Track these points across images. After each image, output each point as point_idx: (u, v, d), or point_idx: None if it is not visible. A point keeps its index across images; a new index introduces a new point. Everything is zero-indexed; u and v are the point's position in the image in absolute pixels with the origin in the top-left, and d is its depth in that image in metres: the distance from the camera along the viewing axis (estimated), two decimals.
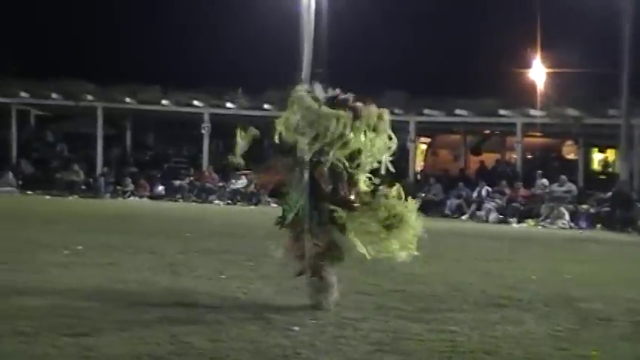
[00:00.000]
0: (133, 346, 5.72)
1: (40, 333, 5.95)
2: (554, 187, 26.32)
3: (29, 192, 29.95)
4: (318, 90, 7.83)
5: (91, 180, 31.56)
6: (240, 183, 30.19)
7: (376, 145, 7.64)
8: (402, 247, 7.54)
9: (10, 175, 31.19)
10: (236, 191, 30.05)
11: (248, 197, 29.48)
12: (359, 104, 7.71)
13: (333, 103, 7.61)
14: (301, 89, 7.83)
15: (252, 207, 27.89)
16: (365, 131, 7.60)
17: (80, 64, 34.74)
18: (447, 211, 27.50)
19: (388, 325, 6.89)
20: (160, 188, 31.16)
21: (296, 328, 6.54)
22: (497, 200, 26.58)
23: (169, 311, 7.04)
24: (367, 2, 32.51)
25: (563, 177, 26.67)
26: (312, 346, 5.97)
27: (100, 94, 32.44)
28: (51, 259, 10.25)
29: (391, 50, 36.61)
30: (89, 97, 32.37)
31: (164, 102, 31.99)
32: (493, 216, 25.81)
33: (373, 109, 7.77)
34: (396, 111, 30.50)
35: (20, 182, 31.18)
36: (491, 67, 31.78)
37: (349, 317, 7.08)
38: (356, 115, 7.54)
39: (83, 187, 31.03)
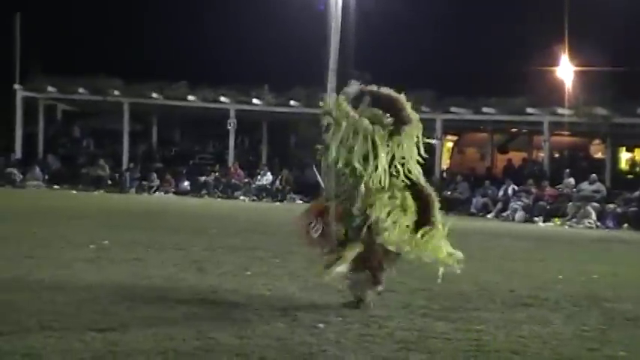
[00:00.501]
0: (159, 341, 5.72)
1: (66, 328, 5.98)
2: (584, 185, 26.14)
3: (56, 187, 30.16)
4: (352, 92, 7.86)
5: (116, 175, 31.73)
6: (266, 179, 30.24)
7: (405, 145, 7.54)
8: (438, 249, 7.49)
9: (37, 169, 31.42)
10: (261, 187, 30.10)
11: (273, 193, 29.52)
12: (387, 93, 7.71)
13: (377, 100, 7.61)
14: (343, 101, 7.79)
15: (278, 203, 27.92)
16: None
17: (107, 59, 34.90)
18: (472, 210, 27.41)
19: (414, 323, 6.86)
20: (186, 184, 31.27)
21: (321, 326, 6.53)
22: (524, 199, 26.43)
23: (195, 307, 7.05)
24: (395, 0, 32.43)
25: (594, 175, 26.47)
26: (338, 344, 5.96)
27: (126, 90, 32.61)
28: (77, 254, 10.30)
29: (418, 48, 36.48)
30: (116, 93, 32.54)
31: (190, 98, 32.09)
32: (519, 215, 25.67)
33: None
34: (423, 109, 30.46)
35: (47, 177, 31.40)
36: (519, 66, 31.59)
37: (375, 315, 7.06)
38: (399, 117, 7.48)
39: (109, 182, 31.21)
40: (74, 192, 28.67)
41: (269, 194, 29.62)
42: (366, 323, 6.71)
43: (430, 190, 7.72)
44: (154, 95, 32.37)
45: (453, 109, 30.25)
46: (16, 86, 33.14)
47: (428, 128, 31.54)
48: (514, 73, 31.56)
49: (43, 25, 36.92)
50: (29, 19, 35.63)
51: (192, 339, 5.85)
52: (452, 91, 30.23)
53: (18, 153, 33.10)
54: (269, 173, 30.57)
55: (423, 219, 7.51)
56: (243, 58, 35.98)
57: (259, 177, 30.55)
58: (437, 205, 7.64)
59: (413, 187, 7.60)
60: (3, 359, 5.12)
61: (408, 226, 7.43)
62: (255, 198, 29.61)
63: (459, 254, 7.65)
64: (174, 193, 30.45)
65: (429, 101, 29.96)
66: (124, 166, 32.47)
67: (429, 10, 36.48)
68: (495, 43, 36.15)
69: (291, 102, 30.93)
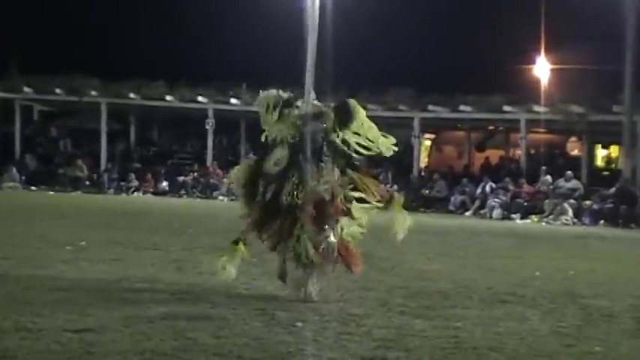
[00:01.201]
0: (137, 342, 5.71)
1: (43, 329, 5.94)
2: (561, 182, 26.30)
3: (33, 187, 30.01)
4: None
5: (94, 175, 31.59)
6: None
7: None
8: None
9: (14, 170, 31.24)
10: None
11: None
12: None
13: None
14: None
15: None
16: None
17: (84, 59, 34.73)
18: (451, 208, 27.53)
19: (392, 321, 6.88)
20: (164, 184, 31.19)
21: (299, 324, 6.53)
22: (502, 197, 26.57)
23: (173, 307, 7.04)
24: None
25: (570, 173, 26.65)
26: (316, 342, 5.96)
27: (104, 90, 32.49)
28: (55, 254, 10.26)
29: (396, 47, 36.58)
30: (93, 93, 32.40)
31: (168, 98, 32.01)
32: (497, 212, 25.80)
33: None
34: (401, 107, 30.56)
35: (24, 178, 31.23)
36: (497, 64, 31.74)
37: (353, 313, 7.07)
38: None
39: (87, 182, 31.07)
40: (52, 193, 28.53)
41: None
42: (344, 321, 6.72)
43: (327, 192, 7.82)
44: (132, 95, 32.26)
45: (430, 107, 30.34)
46: None
47: (406, 126, 31.76)
48: (491, 70, 31.70)
49: (20, 24, 36.74)
50: (5, 19, 35.44)
51: (170, 339, 5.84)
52: (429, 88, 30.32)
53: None
54: None
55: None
56: (221, 57, 35.93)
57: None
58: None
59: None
60: None
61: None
62: (234, 198, 29.52)
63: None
64: (153, 193, 30.38)
65: (408, 99, 30.07)
66: (102, 167, 32.35)
67: (409, 8, 36.56)
68: (473, 41, 36.30)
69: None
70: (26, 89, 32.91)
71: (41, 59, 34.67)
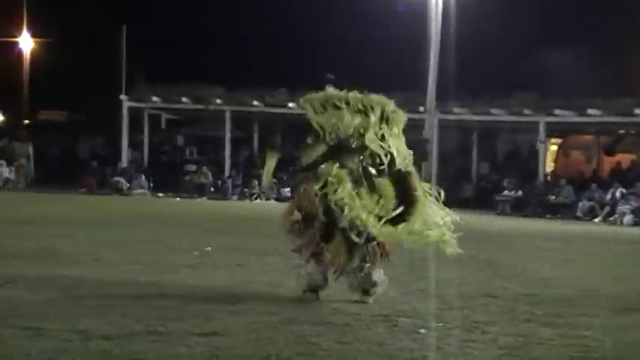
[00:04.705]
0: (261, 346, 5.77)
1: (171, 332, 6.07)
2: None
3: (160, 194, 30.75)
4: None
5: (219, 182, 32.17)
6: None
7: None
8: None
9: (143, 177, 32.12)
10: None
11: None
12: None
13: None
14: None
15: None
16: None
17: (210, 68, 35.46)
18: (578, 214, 26.85)
19: (517, 328, 6.74)
20: (287, 190, 31.46)
21: (423, 331, 6.48)
22: (633, 202, 25.75)
23: (297, 312, 7.08)
24: (495, 2, 32.06)
25: None
26: (440, 349, 5.90)
27: (228, 98, 33.07)
28: (181, 260, 10.47)
29: (520, 50, 36.01)
30: (218, 101, 33.02)
31: (290, 105, 32.32)
32: (628, 219, 25.02)
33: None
34: (526, 111, 30.02)
35: (152, 185, 32.06)
36: (625, 65, 30.84)
37: (477, 320, 6.97)
38: None
39: (212, 189, 31.66)
40: (178, 199, 29.18)
41: None
42: (468, 329, 6.63)
43: (420, 190, 7.76)
44: (255, 102, 32.73)
45: (556, 111, 29.69)
46: (122, 97, 33.96)
47: (530, 131, 31.12)
48: (620, 72, 30.82)
49: (147, 36, 37.77)
50: (134, 31, 36.52)
51: (294, 344, 5.88)
52: (555, 92, 29.69)
53: (124, 162, 33.88)
54: None
55: (403, 214, 7.54)
56: (343, 63, 36.05)
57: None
58: (421, 204, 7.66)
59: (398, 180, 7.76)
60: None
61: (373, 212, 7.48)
62: None
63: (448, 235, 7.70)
64: (276, 199, 30.70)
65: (532, 104, 29.52)
66: (227, 174, 32.90)
67: (529, 10, 35.94)
68: (600, 43, 35.39)
69: None
70: (154, 98, 33.79)
71: (168, 70, 35.58)
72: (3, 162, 32.38)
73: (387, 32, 32.80)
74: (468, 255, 12.50)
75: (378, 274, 7.76)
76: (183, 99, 33.42)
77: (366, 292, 7.71)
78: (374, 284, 7.72)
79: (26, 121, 39.73)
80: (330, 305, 7.51)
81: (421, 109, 29.27)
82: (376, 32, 34.60)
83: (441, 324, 6.79)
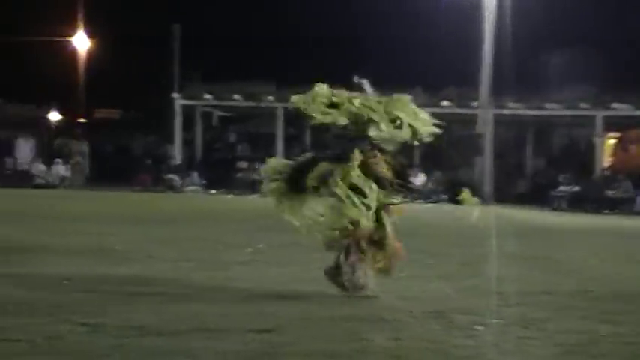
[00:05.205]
0: (315, 342, 5.74)
1: (224, 329, 6.07)
2: None
3: (213, 191, 30.95)
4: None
5: None
6: (419, 180, 30.09)
7: None
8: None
9: (195, 174, 32.36)
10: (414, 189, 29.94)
11: (426, 195, 29.34)
12: None
13: None
14: None
15: (430, 205, 27.72)
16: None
17: (261, 65, 35.59)
18: (637, 209, 26.46)
19: (575, 325, 6.62)
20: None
21: (479, 328, 6.39)
22: None
23: (350, 309, 7.04)
24: None
25: None
26: (496, 347, 5.81)
27: (280, 95, 33.15)
28: (234, 256, 10.50)
29: (575, 44, 35.51)
30: (269, 98, 33.12)
31: None
32: None
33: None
34: (582, 105, 29.65)
35: (204, 182, 32.28)
36: None
37: (534, 317, 6.86)
38: None
39: None
40: (230, 196, 29.32)
41: (422, 196, 29.42)
42: (525, 325, 6.53)
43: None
44: None
45: (614, 105, 29.27)
46: (175, 95, 34.24)
47: (587, 125, 30.82)
48: None
49: (200, 35, 38.02)
50: (187, 31, 36.79)
51: (348, 340, 5.83)
52: (612, 85, 29.28)
53: (177, 159, 34.15)
54: (421, 174, 30.41)
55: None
56: (395, 59, 35.97)
57: (412, 178, 30.39)
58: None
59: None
60: (168, 358, 5.24)
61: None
62: (407, 200, 29.43)
63: None
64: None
65: (589, 98, 29.17)
66: None
67: (584, 3, 35.42)
68: None
69: (443, 102, 30.67)
70: (206, 96, 34.01)
71: (220, 67, 35.78)
72: (59, 160, 32.86)
73: (439, 27, 32.59)
74: (523, 251, 12.42)
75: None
76: (235, 96, 33.59)
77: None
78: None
79: (82, 120, 40.26)
80: (384, 302, 7.46)
81: (475, 104, 29.09)
82: (429, 28, 34.41)
83: (497, 321, 6.70)
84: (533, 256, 11.64)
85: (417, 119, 7.96)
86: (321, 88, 8.05)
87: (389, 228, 7.69)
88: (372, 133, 7.72)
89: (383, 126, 7.75)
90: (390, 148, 7.82)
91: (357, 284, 7.64)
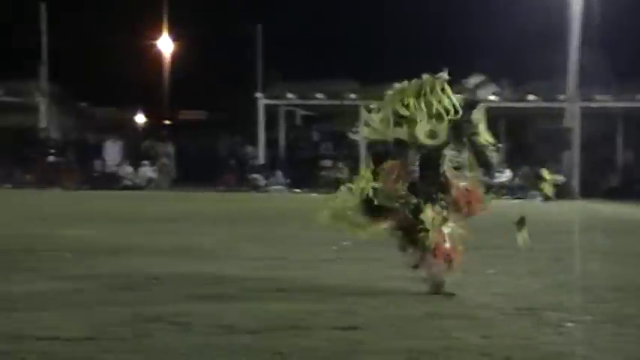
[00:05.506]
0: (404, 340, 5.69)
1: (312, 326, 6.07)
2: None
3: (296, 190, 31.08)
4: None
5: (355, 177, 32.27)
6: (505, 176, 29.69)
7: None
8: None
9: (280, 174, 32.54)
10: (501, 185, 29.57)
11: (513, 190, 28.98)
12: None
13: None
14: None
15: (517, 200, 27.34)
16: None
17: (344, 64, 35.60)
18: None
19: None
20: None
21: (570, 325, 6.26)
22: None
23: (437, 306, 6.97)
24: None
25: None
26: (589, 344, 5.67)
27: (363, 93, 33.10)
28: (320, 254, 10.51)
29: None
30: (352, 96, 33.10)
31: None
32: None
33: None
34: None
35: (288, 181, 32.44)
36: None
37: (628, 314, 6.69)
38: None
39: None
40: (314, 195, 29.39)
41: (508, 191, 29.02)
42: (619, 322, 6.36)
43: None
44: None
45: None
46: (258, 95, 34.50)
47: None
48: None
49: (282, 34, 38.23)
50: (269, 30, 37.05)
51: (437, 338, 5.77)
52: None
53: (261, 159, 34.40)
54: (508, 170, 30.00)
55: None
56: (480, 51, 35.52)
57: (498, 174, 30.01)
58: None
59: None
60: (254, 357, 5.26)
61: None
62: (493, 196, 29.08)
63: None
64: None
65: None
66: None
67: None
68: None
69: (529, 96, 30.25)
70: (289, 95, 34.18)
71: (303, 66, 35.90)
72: (146, 162, 33.41)
73: (524, 18, 32.08)
74: (615, 247, 12.15)
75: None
76: (318, 95, 33.66)
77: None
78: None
79: (167, 122, 40.89)
80: (471, 299, 7.37)
81: (562, 97, 28.62)
82: (513, 20, 33.91)
83: (588, 317, 6.55)
84: (624, 252, 11.37)
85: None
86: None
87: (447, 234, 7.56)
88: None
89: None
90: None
91: (435, 282, 7.57)
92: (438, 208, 7.46)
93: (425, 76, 7.69)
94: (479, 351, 5.44)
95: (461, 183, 7.58)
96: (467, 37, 37.27)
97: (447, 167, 7.54)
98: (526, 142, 33.96)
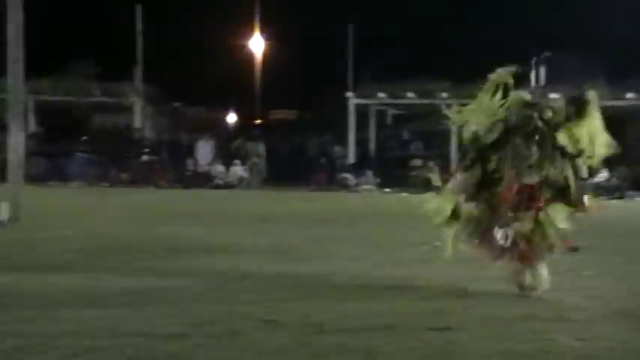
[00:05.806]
0: (497, 342, 5.63)
1: (405, 326, 6.07)
2: None
3: (387, 190, 30.97)
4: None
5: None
6: (602, 176, 29.09)
7: None
8: None
9: (370, 173, 32.49)
10: (596, 185, 28.98)
11: (610, 191, 28.36)
12: None
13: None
14: None
15: (614, 201, 26.76)
16: None
17: (436, 62, 35.36)
18: None
19: None
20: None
21: None
22: None
23: (531, 308, 6.88)
24: None
25: None
26: None
27: (455, 92, 32.83)
28: (411, 254, 10.46)
29: None
30: (444, 95, 32.85)
31: None
32: None
33: None
34: None
35: (378, 180, 32.35)
36: None
37: None
38: None
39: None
40: (404, 194, 29.27)
41: (605, 192, 28.40)
42: None
43: None
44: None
45: None
46: (349, 94, 34.52)
47: None
48: None
49: (373, 34, 38.19)
50: (360, 30, 37.08)
51: (531, 340, 5.70)
52: None
53: (351, 158, 34.41)
54: (604, 170, 29.37)
55: None
56: (577, 50, 34.87)
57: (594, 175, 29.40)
58: None
59: None
60: (349, 355, 5.27)
61: None
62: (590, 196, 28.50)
63: None
64: None
65: None
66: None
67: None
68: None
69: (628, 94, 29.57)
70: (380, 94, 34.10)
71: (394, 65, 35.79)
72: (237, 161, 33.75)
73: (621, 11, 31.38)
74: None
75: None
76: (409, 94, 33.51)
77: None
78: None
79: (258, 121, 41.22)
80: (568, 302, 7.24)
81: None
82: (609, 13, 33.20)
83: None
84: None
85: (595, 142, 7.67)
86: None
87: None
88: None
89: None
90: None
91: (524, 284, 7.47)
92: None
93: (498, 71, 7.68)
94: (574, 354, 5.36)
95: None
96: (561, 34, 36.66)
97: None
98: (624, 142, 33.02)
